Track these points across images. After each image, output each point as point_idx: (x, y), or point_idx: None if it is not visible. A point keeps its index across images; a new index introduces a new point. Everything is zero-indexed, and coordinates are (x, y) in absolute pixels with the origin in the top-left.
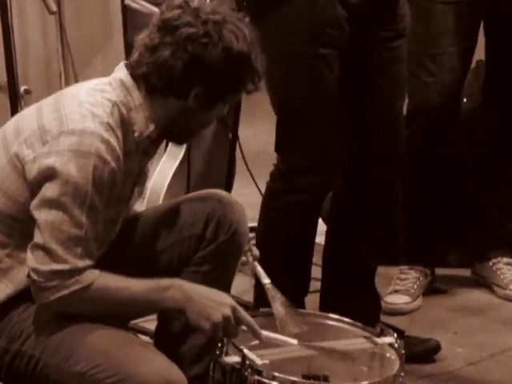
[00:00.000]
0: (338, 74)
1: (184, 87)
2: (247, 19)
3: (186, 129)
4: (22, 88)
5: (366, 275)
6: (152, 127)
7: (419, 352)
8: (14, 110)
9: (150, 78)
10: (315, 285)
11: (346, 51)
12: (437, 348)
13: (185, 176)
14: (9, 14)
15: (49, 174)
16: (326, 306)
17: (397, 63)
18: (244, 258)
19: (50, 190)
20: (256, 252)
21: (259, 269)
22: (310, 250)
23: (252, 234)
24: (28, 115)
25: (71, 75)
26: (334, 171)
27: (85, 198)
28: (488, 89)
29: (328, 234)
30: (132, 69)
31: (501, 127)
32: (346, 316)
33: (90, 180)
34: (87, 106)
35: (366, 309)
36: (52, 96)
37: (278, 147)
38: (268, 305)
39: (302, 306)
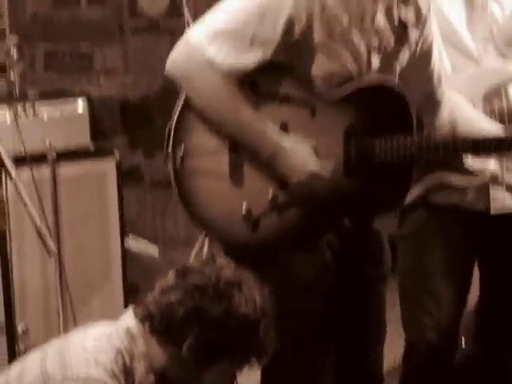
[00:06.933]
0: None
1: (179, 334)
2: (267, 289)
3: (180, 382)
4: (20, 328)
5: None
6: (151, 378)
7: None
8: (11, 351)
9: (153, 319)
10: None
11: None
12: None
13: None
14: (8, 252)
15: None
16: None
17: (375, 306)
18: None
19: None
20: None
21: None
22: None
23: None
24: (31, 360)
25: (69, 314)
26: None
27: None
28: (481, 326)
29: None
30: (142, 309)
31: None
32: None
33: None
34: (91, 352)
35: None
36: (58, 340)
37: None
38: None
39: None
